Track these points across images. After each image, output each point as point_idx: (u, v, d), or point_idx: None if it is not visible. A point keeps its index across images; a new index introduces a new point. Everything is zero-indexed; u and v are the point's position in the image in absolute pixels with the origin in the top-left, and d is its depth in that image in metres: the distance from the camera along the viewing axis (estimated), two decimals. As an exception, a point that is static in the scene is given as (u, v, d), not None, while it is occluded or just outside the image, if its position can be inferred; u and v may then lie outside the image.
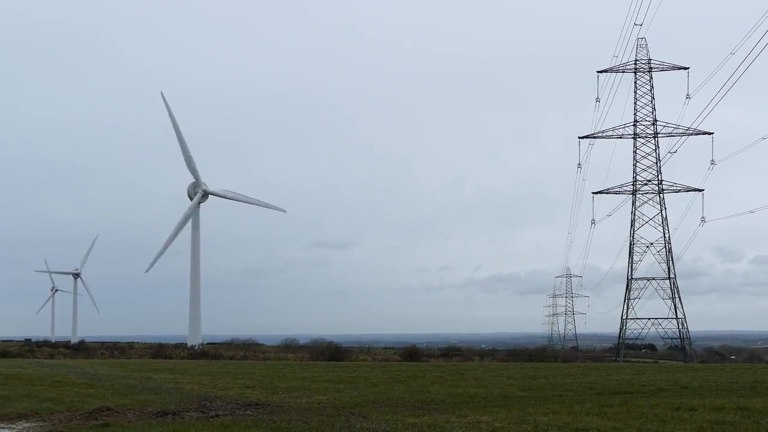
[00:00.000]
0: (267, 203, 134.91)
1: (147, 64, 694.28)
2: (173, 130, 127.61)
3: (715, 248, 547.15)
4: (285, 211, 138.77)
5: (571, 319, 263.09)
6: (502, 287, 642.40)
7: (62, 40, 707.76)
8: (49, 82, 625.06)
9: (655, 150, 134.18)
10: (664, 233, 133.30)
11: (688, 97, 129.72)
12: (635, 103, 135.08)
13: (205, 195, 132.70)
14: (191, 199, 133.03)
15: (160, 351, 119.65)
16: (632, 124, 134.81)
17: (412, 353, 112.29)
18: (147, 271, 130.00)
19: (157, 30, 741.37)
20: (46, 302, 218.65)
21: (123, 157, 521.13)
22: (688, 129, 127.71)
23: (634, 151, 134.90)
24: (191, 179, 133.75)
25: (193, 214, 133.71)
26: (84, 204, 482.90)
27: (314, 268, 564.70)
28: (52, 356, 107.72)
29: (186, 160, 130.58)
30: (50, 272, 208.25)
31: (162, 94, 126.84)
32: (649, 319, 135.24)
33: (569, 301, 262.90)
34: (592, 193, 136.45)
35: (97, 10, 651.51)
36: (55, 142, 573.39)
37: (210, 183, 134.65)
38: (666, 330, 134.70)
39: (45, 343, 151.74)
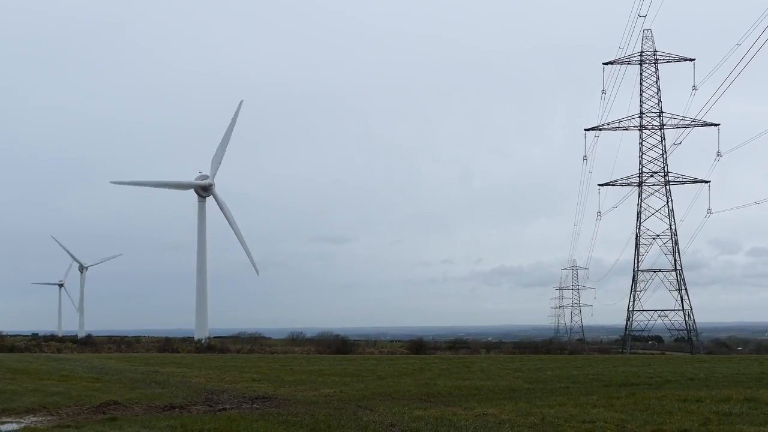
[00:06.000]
0: (250, 254, 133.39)
1: (157, 58, 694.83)
2: (226, 129, 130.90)
3: (711, 240, 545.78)
4: (258, 274, 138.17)
5: (577, 311, 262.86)
6: (507, 280, 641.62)
7: (78, 37, 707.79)
8: (61, 78, 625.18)
9: (662, 142, 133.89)
10: (671, 225, 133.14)
11: (694, 88, 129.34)
12: (641, 94, 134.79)
13: (207, 189, 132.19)
14: (198, 194, 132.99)
15: (167, 345, 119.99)
16: (638, 115, 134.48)
17: (418, 346, 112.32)
18: (113, 182, 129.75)
19: (166, 25, 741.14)
20: (48, 284, 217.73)
21: (132, 153, 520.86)
22: (694, 120, 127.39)
23: (640, 143, 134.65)
24: (198, 173, 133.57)
25: (198, 209, 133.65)
26: (93, 199, 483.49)
27: (320, 261, 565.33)
28: (59, 350, 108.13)
29: (215, 157, 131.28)
30: (64, 248, 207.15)
31: (240, 103, 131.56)
32: (655, 310, 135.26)
33: (575, 293, 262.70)
34: (599, 185, 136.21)
35: (111, 6, 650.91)
36: (63, 136, 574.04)
37: (218, 176, 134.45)
38: (672, 321, 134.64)
39: (52, 338, 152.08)
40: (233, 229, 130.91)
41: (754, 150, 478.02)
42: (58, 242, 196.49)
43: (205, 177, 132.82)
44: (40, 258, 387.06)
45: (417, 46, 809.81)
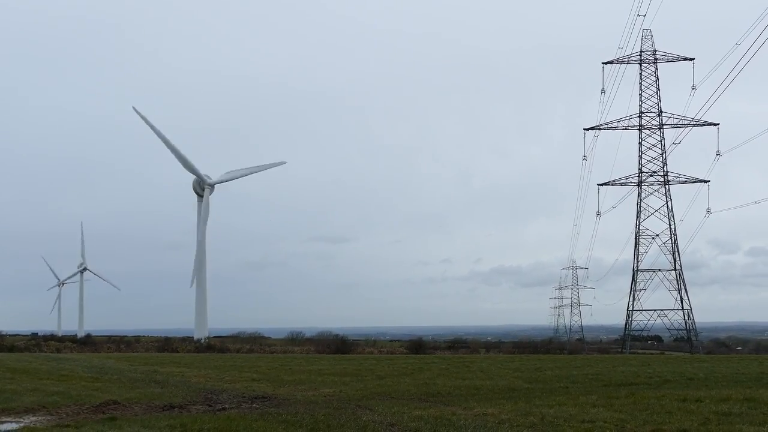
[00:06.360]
0: (266, 165, 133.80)
1: (157, 58, 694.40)
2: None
3: (710, 240, 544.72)
4: (285, 162, 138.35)
5: (576, 311, 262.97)
6: (506, 279, 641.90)
7: (78, 37, 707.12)
8: (61, 78, 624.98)
9: (661, 141, 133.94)
10: (670, 224, 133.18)
11: (693, 88, 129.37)
12: (640, 94, 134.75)
13: (212, 187, 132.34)
14: (196, 192, 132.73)
15: (166, 344, 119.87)
16: (638, 115, 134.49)
17: (418, 346, 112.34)
18: (191, 286, 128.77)
19: (165, 24, 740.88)
20: (56, 301, 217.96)
21: (132, 152, 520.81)
22: (694, 120, 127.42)
23: (640, 143, 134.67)
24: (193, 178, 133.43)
25: (198, 208, 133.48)
26: (93, 198, 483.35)
27: (320, 261, 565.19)
28: (58, 350, 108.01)
29: (183, 163, 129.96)
30: (57, 277, 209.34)
31: (135, 109, 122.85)
32: (655, 310, 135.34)
33: (575, 292, 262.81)
34: (598, 184, 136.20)
35: (111, 6, 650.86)
36: (63, 135, 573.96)
37: (215, 176, 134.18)
38: (672, 321, 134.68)
39: (52, 337, 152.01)
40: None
41: (754, 150, 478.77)
42: (82, 231, 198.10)
43: (199, 180, 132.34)
44: (40, 258, 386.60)
45: (417, 46, 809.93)
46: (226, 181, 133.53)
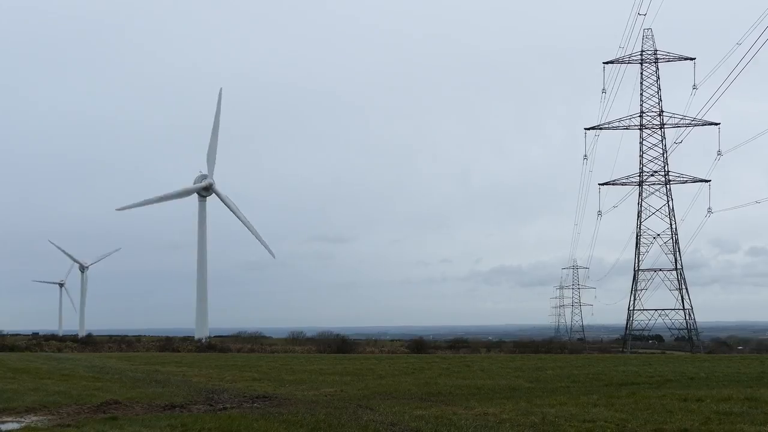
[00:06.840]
0: (262, 240, 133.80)
1: (157, 58, 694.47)
2: (213, 122, 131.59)
3: (711, 239, 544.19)
4: (274, 256, 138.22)
5: (578, 311, 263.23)
6: (506, 279, 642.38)
7: (78, 37, 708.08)
8: (61, 78, 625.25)
9: (662, 141, 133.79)
10: (671, 224, 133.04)
11: (694, 87, 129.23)
12: (641, 94, 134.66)
13: (209, 189, 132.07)
14: (198, 193, 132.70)
15: (167, 344, 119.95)
16: (638, 115, 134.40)
17: (419, 345, 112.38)
18: (118, 209, 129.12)
19: (165, 24, 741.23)
20: (48, 282, 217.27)
21: (132, 152, 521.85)
22: (694, 119, 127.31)
23: (641, 142, 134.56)
24: (198, 173, 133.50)
25: (199, 208, 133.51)
26: (93, 198, 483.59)
27: (319, 261, 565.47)
28: (59, 350, 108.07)
29: (209, 152, 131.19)
30: (63, 250, 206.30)
31: (220, 91, 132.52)
32: (656, 310, 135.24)
33: (576, 292, 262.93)
34: (599, 184, 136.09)
35: (111, 6, 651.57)
36: (63, 135, 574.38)
37: (217, 176, 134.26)
38: (673, 321, 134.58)
39: (53, 337, 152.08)
40: (240, 219, 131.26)
41: (755, 149, 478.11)
42: (56, 245, 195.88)
43: (205, 176, 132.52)
44: (41, 258, 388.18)
45: (416, 45, 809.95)
46: (222, 200, 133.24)
